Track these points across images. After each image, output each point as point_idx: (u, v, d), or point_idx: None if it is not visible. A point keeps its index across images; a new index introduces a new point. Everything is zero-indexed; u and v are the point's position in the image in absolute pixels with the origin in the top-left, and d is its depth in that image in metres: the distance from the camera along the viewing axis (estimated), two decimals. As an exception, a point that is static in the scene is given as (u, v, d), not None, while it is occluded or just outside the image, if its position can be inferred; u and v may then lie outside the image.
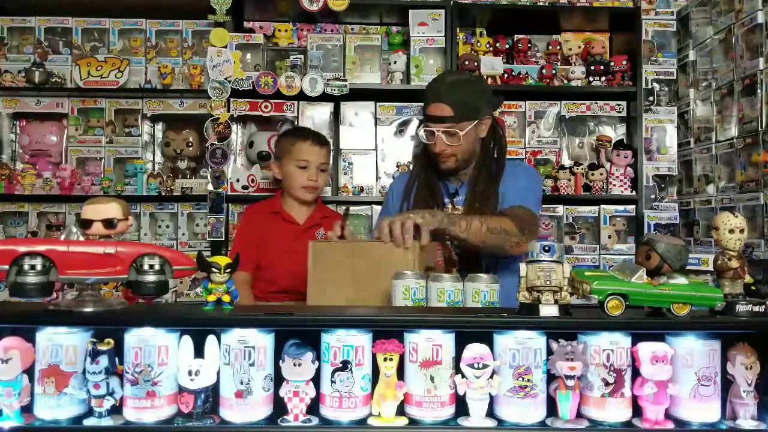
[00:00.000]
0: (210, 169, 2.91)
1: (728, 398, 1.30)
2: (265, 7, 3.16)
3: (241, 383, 1.23)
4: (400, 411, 1.26)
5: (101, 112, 3.20)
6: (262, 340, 1.25)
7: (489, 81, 3.02)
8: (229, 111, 2.91)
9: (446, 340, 1.27)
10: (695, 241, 2.89)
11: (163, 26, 3.23)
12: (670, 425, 1.26)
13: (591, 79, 3.12)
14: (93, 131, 3.21)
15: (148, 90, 3.13)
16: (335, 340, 1.25)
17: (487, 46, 3.17)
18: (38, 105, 3.16)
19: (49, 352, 1.23)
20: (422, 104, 2.17)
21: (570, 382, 1.22)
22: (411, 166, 2.93)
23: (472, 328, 1.28)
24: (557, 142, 3.20)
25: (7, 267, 1.18)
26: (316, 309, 1.56)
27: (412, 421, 1.25)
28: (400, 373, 1.26)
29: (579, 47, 3.22)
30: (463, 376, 1.22)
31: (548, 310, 1.24)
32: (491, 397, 1.25)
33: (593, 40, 3.25)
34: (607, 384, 1.25)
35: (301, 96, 2.96)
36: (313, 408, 1.26)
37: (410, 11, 3.03)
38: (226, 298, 1.29)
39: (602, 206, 3.09)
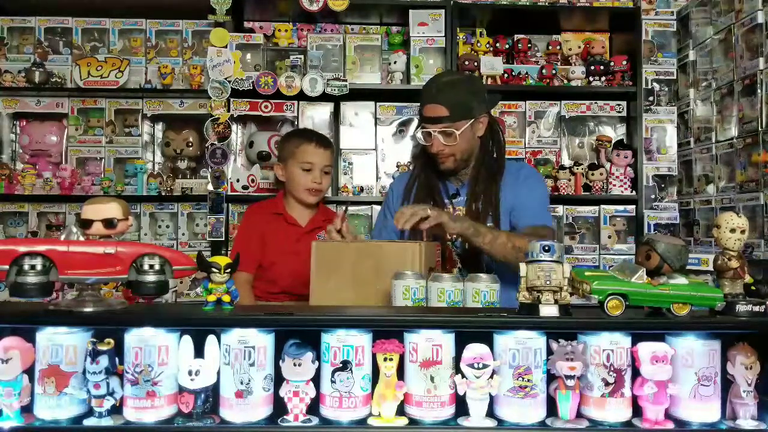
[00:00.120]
0: (210, 169, 2.91)
1: (728, 398, 1.30)
2: (265, 7, 3.16)
3: (241, 383, 1.23)
4: (400, 411, 1.26)
5: (101, 112, 3.20)
6: (262, 340, 1.25)
7: (489, 81, 3.02)
8: (229, 111, 2.91)
9: (446, 340, 1.27)
10: (695, 241, 2.89)
11: (163, 26, 3.23)
12: (670, 425, 1.26)
13: (591, 79, 3.12)
14: (93, 131, 3.21)
15: (148, 90, 3.13)
16: (335, 340, 1.25)
17: (487, 46, 3.17)
18: (38, 105, 3.16)
19: (49, 352, 1.24)
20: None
21: (570, 382, 1.22)
22: (411, 167, 2.94)
23: (472, 328, 1.28)
24: (557, 142, 3.20)
25: (7, 267, 1.18)
26: (316, 309, 1.56)
27: (412, 421, 1.25)
28: (400, 373, 1.26)
29: (579, 47, 3.22)
30: (463, 376, 1.22)
31: (548, 310, 1.24)
32: (491, 397, 1.25)
33: (593, 40, 3.25)
34: (607, 384, 1.25)
35: (301, 96, 2.96)
36: (313, 408, 1.26)
37: (410, 11, 3.03)
38: (226, 298, 1.29)
39: (602, 206, 3.09)
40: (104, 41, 3.23)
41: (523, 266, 1.26)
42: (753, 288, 1.32)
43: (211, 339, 1.23)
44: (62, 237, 1.23)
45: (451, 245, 2.10)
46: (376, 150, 3.19)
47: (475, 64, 3.02)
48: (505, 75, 3.09)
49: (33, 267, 1.19)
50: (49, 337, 1.24)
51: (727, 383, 1.30)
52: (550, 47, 3.27)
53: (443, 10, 3.02)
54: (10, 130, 3.26)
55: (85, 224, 1.23)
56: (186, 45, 3.23)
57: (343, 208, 3.04)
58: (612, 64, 3.10)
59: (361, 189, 3.11)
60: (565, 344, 1.23)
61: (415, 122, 3.13)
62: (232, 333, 1.25)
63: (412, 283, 1.54)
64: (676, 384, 1.25)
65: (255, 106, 3.00)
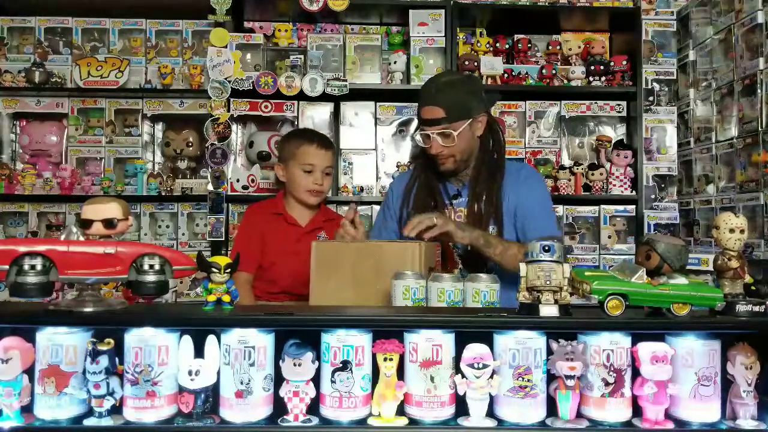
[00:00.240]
0: (210, 169, 2.91)
1: (728, 398, 1.30)
2: (265, 7, 3.16)
3: (241, 383, 1.23)
4: (400, 411, 1.26)
5: (101, 112, 3.20)
6: (262, 340, 1.25)
7: (489, 81, 3.02)
8: (229, 111, 2.91)
9: (446, 340, 1.27)
10: (695, 241, 2.89)
11: (163, 26, 3.23)
12: (670, 425, 1.26)
13: (591, 79, 3.12)
14: (93, 131, 3.21)
15: (148, 90, 3.13)
16: (335, 340, 1.25)
17: (487, 46, 3.17)
18: (38, 105, 3.16)
19: (49, 352, 1.24)
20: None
21: (570, 382, 1.22)
22: (411, 167, 2.94)
23: (472, 328, 1.28)
24: (557, 142, 3.20)
25: (7, 267, 1.18)
26: (316, 309, 1.56)
27: (412, 421, 1.25)
28: (400, 373, 1.26)
29: (579, 47, 3.22)
30: (463, 376, 1.22)
31: (548, 310, 1.24)
32: (491, 397, 1.25)
33: (593, 40, 3.25)
34: (607, 384, 1.25)
35: (301, 96, 2.96)
36: (313, 408, 1.26)
37: (410, 11, 3.03)
38: (226, 298, 1.29)
39: (602, 206, 3.09)
40: (104, 41, 3.23)
41: (523, 266, 1.26)
42: (753, 288, 1.32)
43: (211, 339, 1.23)
44: (62, 237, 1.23)
45: (453, 246, 2.10)
46: (376, 150, 3.19)
47: (475, 64, 3.02)
48: (505, 75, 3.09)
49: (33, 267, 1.19)
50: (49, 337, 1.24)
51: (727, 383, 1.30)
52: (550, 47, 3.27)
53: (443, 10, 3.02)
54: (10, 130, 3.26)
55: (85, 224, 1.23)
56: (186, 45, 3.23)
57: (344, 208, 3.07)
58: (612, 64, 3.10)
59: (361, 189, 3.11)
60: (565, 344, 1.23)
61: (415, 122, 3.13)
62: (232, 333, 1.25)
63: (412, 283, 1.54)
64: (676, 384, 1.25)
65: (255, 106, 3.00)
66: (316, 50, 3.06)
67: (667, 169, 3.06)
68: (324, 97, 2.97)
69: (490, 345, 1.25)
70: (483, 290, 1.55)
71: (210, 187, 2.92)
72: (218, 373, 1.24)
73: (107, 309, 1.26)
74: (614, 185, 3.07)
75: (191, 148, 3.18)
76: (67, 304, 1.27)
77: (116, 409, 1.23)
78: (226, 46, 2.87)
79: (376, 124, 3.19)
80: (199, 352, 1.23)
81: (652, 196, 3.05)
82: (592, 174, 3.07)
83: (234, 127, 3.02)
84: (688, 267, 1.33)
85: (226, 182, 2.92)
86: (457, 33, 3.09)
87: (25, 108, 3.16)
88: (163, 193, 3.09)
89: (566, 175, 3.06)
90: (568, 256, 3.03)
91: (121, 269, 1.23)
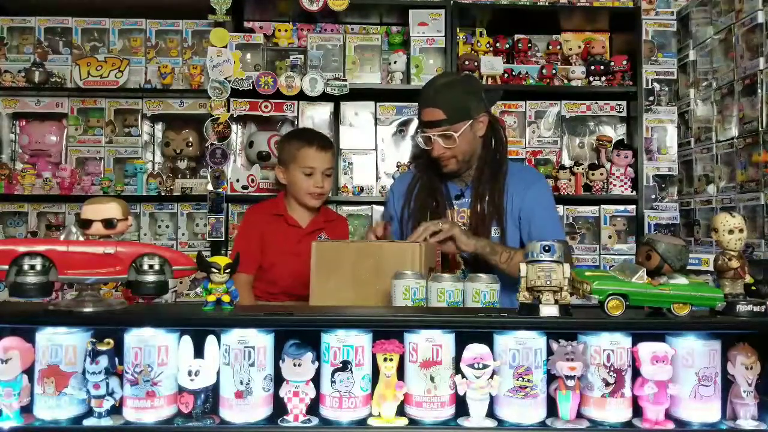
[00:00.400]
0: (210, 169, 2.91)
1: (728, 398, 1.30)
2: (265, 7, 3.16)
3: (241, 383, 1.23)
4: (400, 411, 1.26)
5: (101, 112, 3.20)
6: (262, 340, 1.25)
7: (489, 81, 3.02)
8: (229, 111, 2.91)
9: (446, 340, 1.26)
10: (695, 241, 2.89)
11: (163, 26, 3.23)
12: (671, 425, 1.25)
13: (591, 79, 3.11)
14: (93, 131, 3.21)
15: (148, 90, 3.13)
16: (335, 340, 1.25)
17: (487, 46, 3.17)
18: (38, 105, 3.16)
19: (49, 352, 1.23)
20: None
21: (570, 383, 1.22)
22: (411, 167, 2.94)
23: (472, 328, 1.28)
24: (557, 142, 3.20)
25: (6, 267, 1.18)
26: (316, 309, 1.55)
27: (412, 422, 1.25)
28: (400, 373, 1.26)
29: (579, 47, 3.22)
30: (464, 377, 1.22)
31: (548, 310, 1.23)
32: (491, 398, 1.25)
33: (593, 40, 3.25)
34: (607, 384, 1.25)
35: (301, 96, 2.95)
36: (313, 408, 1.26)
37: (410, 11, 3.02)
38: (226, 298, 1.29)
39: (602, 206, 3.09)
40: (104, 41, 3.23)
41: (523, 266, 1.26)
42: (753, 288, 1.32)
43: (210, 339, 1.23)
44: (62, 237, 1.23)
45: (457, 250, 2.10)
46: (376, 150, 3.18)
47: (475, 64, 3.02)
48: (505, 75, 3.09)
49: (33, 267, 1.19)
50: (49, 337, 1.24)
51: (727, 383, 1.30)
52: (550, 47, 3.27)
53: (443, 10, 3.02)
54: (9, 130, 3.26)
55: (84, 224, 1.23)
56: (186, 45, 3.23)
57: (344, 208, 3.07)
58: (612, 64, 3.10)
59: (361, 189, 3.11)
60: (566, 344, 1.23)
61: (415, 122, 3.13)
62: (232, 333, 1.25)
63: (412, 283, 1.54)
64: (677, 384, 1.25)
65: (255, 106, 3.00)
66: (316, 50, 3.05)
67: (667, 169, 3.06)
68: (324, 97, 2.97)
69: (491, 345, 1.25)
70: (483, 290, 1.55)
71: (210, 187, 2.92)
72: (218, 373, 1.24)
73: (107, 309, 1.26)
74: (614, 185, 3.06)
75: (191, 148, 3.18)
76: (66, 304, 1.27)
77: (116, 410, 1.23)
78: (226, 46, 2.87)
79: (376, 124, 3.18)
80: (198, 353, 1.23)
81: (653, 196, 3.05)
82: (593, 174, 3.07)
83: (234, 127, 3.02)
84: (689, 267, 1.33)
85: (225, 182, 2.91)
86: (457, 33, 3.09)
87: (25, 108, 3.16)
88: (163, 193, 3.09)
89: (566, 175, 3.06)
90: (568, 256, 3.04)
91: (120, 269, 1.23)
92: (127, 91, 3.13)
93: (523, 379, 1.24)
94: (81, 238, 1.23)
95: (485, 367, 1.21)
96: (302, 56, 3.07)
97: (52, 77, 3.09)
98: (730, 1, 2.68)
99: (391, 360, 1.23)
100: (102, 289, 1.36)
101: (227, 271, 1.28)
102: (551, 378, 1.26)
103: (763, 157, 2.42)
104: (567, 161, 3.21)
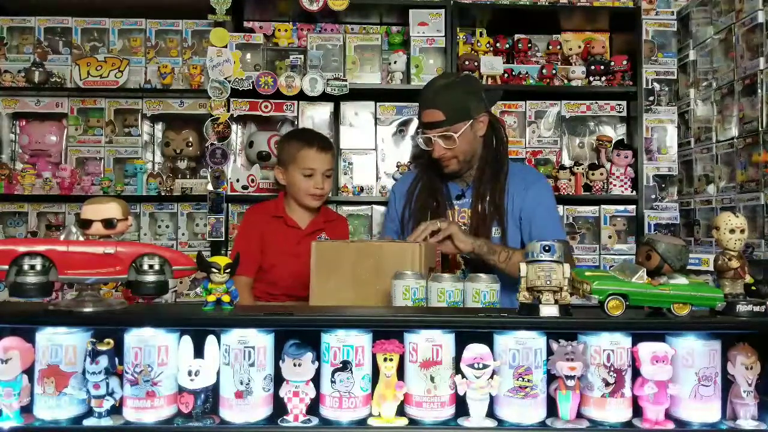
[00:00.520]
0: (210, 169, 2.91)
1: (728, 398, 1.30)
2: (265, 7, 3.16)
3: (241, 383, 1.23)
4: (400, 411, 1.26)
5: (101, 112, 3.20)
6: (262, 340, 1.25)
7: (489, 81, 3.02)
8: (229, 111, 2.91)
9: (446, 340, 1.26)
10: (695, 241, 2.89)
11: (163, 26, 3.23)
12: (671, 425, 1.26)
13: (591, 79, 3.11)
14: (93, 131, 3.20)
15: (147, 90, 3.13)
16: (335, 340, 1.25)
17: (487, 46, 3.17)
18: (38, 105, 3.16)
19: (49, 352, 1.23)
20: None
21: (570, 383, 1.22)
22: (411, 167, 2.94)
23: (472, 328, 1.28)
24: (557, 142, 3.20)
25: (6, 267, 1.18)
26: (316, 309, 1.55)
27: (412, 422, 1.25)
28: (400, 373, 1.26)
29: (579, 47, 3.22)
30: (464, 377, 1.22)
31: (548, 310, 1.23)
32: (491, 398, 1.25)
33: (593, 39, 3.24)
34: (607, 384, 1.25)
35: (301, 96, 2.95)
36: (313, 408, 1.26)
37: (410, 11, 3.02)
38: (226, 298, 1.29)
39: (602, 206, 3.09)
40: (104, 41, 3.23)
41: (523, 266, 1.26)
42: (753, 288, 1.32)
43: (210, 339, 1.23)
44: (62, 237, 1.23)
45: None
46: (376, 150, 3.18)
47: (475, 64, 3.02)
48: (505, 75, 3.09)
49: (33, 267, 1.19)
50: (49, 337, 1.24)
51: (727, 383, 1.30)
52: (550, 47, 3.27)
53: (443, 10, 3.02)
54: (9, 130, 3.26)
55: (84, 224, 1.23)
56: (186, 45, 3.22)
57: (344, 208, 3.07)
58: (612, 64, 3.10)
59: (361, 189, 3.11)
60: (566, 344, 1.23)
61: (416, 122, 3.13)
62: (232, 333, 1.25)
63: (412, 283, 1.54)
64: (677, 384, 1.25)
65: (255, 106, 3.00)
66: (316, 50, 3.05)
67: (667, 169, 3.06)
68: (324, 97, 2.97)
69: (491, 345, 1.25)
70: (483, 290, 1.55)
71: (210, 187, 2.91)
72: (218, 373, 1.24)
73: (107, 309, 1.26)
74: (614, 185, 3.06)
75: (191, 148, 3.18)
76: (66, 304, 1.27)
77: (116, 410, 1.23)
78: (226, 46, 2.87)
79: (376, 124, 3.18)
80: (198, 353, 1.23)
81: (653, 196, 3.05)
82: (593, 174, 3.07)
83: (234, 127, 3.02)
84: (689, 267, 1.33)
85: (225, 182, 2.91)
86: (457, 33, 3.09)
87: (25, 108, 3.16)
88: (163, 193, 3.08)
89: (566, 175, 3.06)
90: (568, 256, 3.04)
91: (120, 269, 1.23)
92: (127, 91, 3.13)
93: (523, 379, 1.24)
94: (81, 238, 1.24)
95: (485, 367, 1.22)
96: (302, 56, 3.07)
97: (52, 77, 3.09)
98: (730, 1, 2.68)
99: (391, 360, 1.23)
100: (102, 289, 1.36)
101: (227, 271, 1.28)
102: (551, 378, 1.26)
103: (763, 157, 2.42)
104: (567, 161, 3.21)
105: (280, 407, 1.25)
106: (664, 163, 3.06)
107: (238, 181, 2.98)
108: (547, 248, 1.24)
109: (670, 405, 1.26)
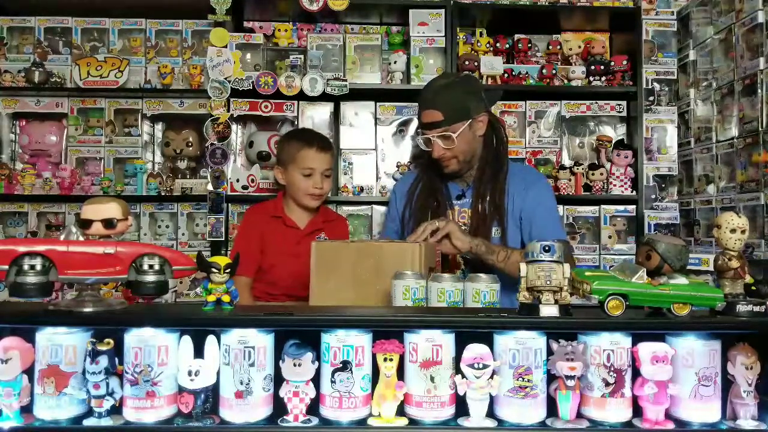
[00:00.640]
0: (210, 169, 2.91)
1: (728, 398, 1.30)
2: (265, 7, 3.16)
3: (241, 383, 1.23)
4: (400, 411, 1.26)
5: (101, 112, 3.20)
6: (262, 340, 1.25)
7: (489, 81, 3.02)
8: (229, 111, 2.91)
9: (446, 340, 1.26)
10: (695, 241, 2.89)
11: (163, 26, 3.23)
12: (671, 425, 1.26)
13: (591, 79, 3.11)
14: (93, 131, 3.20)
15: (147, 90, 3.12)
16: (335, 340, 1.25)
17: (487, 46, 3.17)
18: (38, 105, 3.16)
19: (49, 352, 1.24)
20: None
21: (570, 383, 1.22)
22: (411, 167, 2.94)
23: (472, 328, 1.28)
24: (557, 142, 3.20)
25: (6, 267, 1.18)
26: (316, 309, 1.55)
27: (412, 422, 1.25)
28: (400, 373, 1.26)
29: (579, 47, 3.22)
30: (464, 377, 1.22)
31: (548, 311, 1.23)
32: (491, 398, 1.25)
33: (593, 39, 3.24)
34: (607, 384, 1.25)
35: (301, 96, 2.95)
36: (313, 408, 1.26)
37: (410, 11, 3.02)
38: (226, 298, 1.29)
39: (602, 206, 3.09)
40: (104, 41, 3.23)
41: (523, 266, 1.26)
42: (753, 288, 1.32)
43: (210, 339, 1.23)
44: (62, 237, 1.23)
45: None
46: (376, 150, 3.18)
47: (475, 64, 3.02)
48: (505, 75, 3.09)
49: (33, 267, 1.19)
50: (49, 337, 1.24)
51: (727, 383, 1.30)
52: (550, 47, 3.27)
53: (443, 10, 3.02)
54: (9, 130, 3.26)
55: (84, 224, 1.23)
56: (186, 45, 3.22)
57: (344, 208, 3.07)
58: (612, 64, 3.10)
59: (361, 189, 3.11)
60: (566, 344, 1.23)
61: (415, 122, 3.13)
62: (232, 333, 1.25)
63: (412, 283, 1.54)
64: (677, 384, 1.25)
65: (255, 106, 3.00)
66: (316, 50, 3.05)
67: (667, 169, 3.06)
68: (324, 97, 2.97)
69: (490, 345, 1.25)
70: (483, 290, 1.55)
71: (210, 187, 2.91)
72: (218, 373, 1.24)
73: (107, 309, 1.26)
74: (614, 185, 3.06)
75: (191, 148, 3.18)
76: (66, 305, 1.27)
77: (116, 410, 1.23)
78: (226, 46, 2.87)
79: (376, 124, 3.18)
80: (198, 353, 1.23)
81: (653, 196, 3.05)
82: (593, 174, 3.07)
83: (234, 127, 3.02)
84: (689, 267, 1.33)
85: (225, 182, 2.91)
86: (457, 33, 3.09)
87: (25, 108, 3.16)
88: (163, 193, 3.08)
89: (566, 175, 3.06)
90: (568, 256, 3.04)
91: (120, 269, 1.23)
92: (127, 91, 3.12)
93: (523, 379, 1.24)
94: (81, 238, 1.24)
95: (485, 367, 1.22)
96: (302, 56, 3.07)
97: (52, 77, 3.09)
98: (730, 1, 2.68)
99: (391, 360, 1.23)
100: (102, 289, 1.36)
101: (227, 271, 1.28)
102: (551, 378, 1.26)
103: (763, 157, 2.42)
104: (567, 161, 3.21)
105: (280, 407, 1.25)
106: (664, 163, 3.06)
107: (238, 181, 2.98)
108: (547, 248, 1.24)
109: (670, 405, 1.26)
